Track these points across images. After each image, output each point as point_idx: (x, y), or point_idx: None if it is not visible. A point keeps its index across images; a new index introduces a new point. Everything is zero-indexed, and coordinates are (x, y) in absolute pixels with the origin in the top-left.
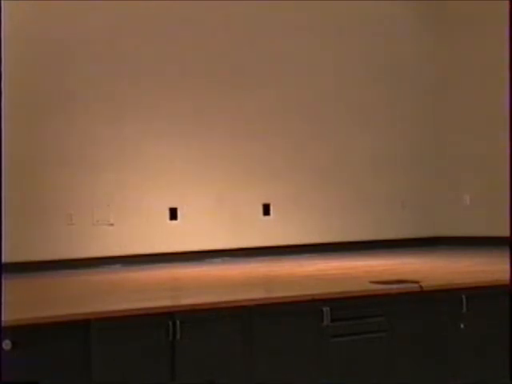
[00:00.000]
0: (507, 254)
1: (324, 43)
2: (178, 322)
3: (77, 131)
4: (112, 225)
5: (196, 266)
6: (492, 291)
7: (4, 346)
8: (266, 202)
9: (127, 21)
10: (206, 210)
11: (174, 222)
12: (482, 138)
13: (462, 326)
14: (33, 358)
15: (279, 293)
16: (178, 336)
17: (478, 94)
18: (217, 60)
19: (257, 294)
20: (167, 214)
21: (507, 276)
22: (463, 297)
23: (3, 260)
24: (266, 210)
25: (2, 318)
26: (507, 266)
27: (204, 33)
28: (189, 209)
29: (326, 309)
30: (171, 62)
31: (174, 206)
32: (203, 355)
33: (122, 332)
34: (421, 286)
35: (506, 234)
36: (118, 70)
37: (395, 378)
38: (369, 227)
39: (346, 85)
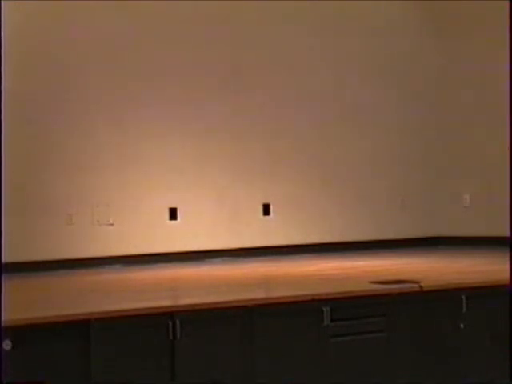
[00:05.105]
0: (507, 254)
1: (324, 43)
2: (177, 322)
3: (77, 131)
4: (112, 225)
5: (196, 266)
6: (492, 291)
7: (4, 346)
8: (266, 202)
9: (127, 22)
10: (205, 210)
11: (173, 221)
12: (482, 138)
13: (461, 325)
14: (33, 358)
15: (279, 293)
16: (178, 336)
17: (479, 93)
18: (217, 60)
19: (257, 294)
20: (167, 213)
21: (507, 276)
22: (463, 297)
23: (3, 260)
24: (266, 209)
25: (2, 318)
26: (507, 266)
27: (204, 33)
28: (189, 209)
29: (326, 309)
30: (171, 63)
31: (173, 206)
32: (203, 355)
33: (122, 332)
34: (421, 286)
35: (506, 234)
36: (118, 71)
37: (395, 378)
38: (369, 227)
39: (346, 85)
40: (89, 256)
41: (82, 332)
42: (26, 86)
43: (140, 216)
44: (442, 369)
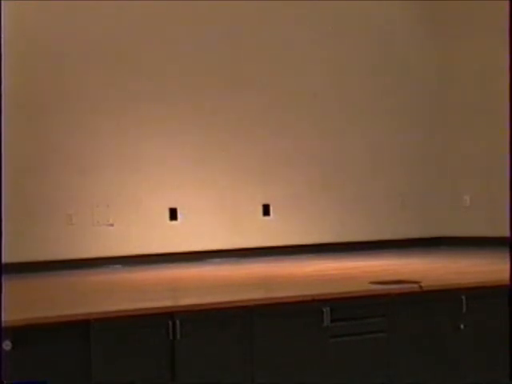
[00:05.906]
0: (507, 254)
1: (324, 43)
2: (177, 322)
3: (77, 131)
4: (112, 225)
5: (196, 266)
6: (492, 291)
7: (4, 346)
8: (266, 202)
9: (127, 21)
10: (206, 210)
11: (173, 222)
12: (482, 138)
13: (461, 326)
14: (33, 358)
15: (279, 293)
16: (178, 336)
17: (479, 93)
18: (217, 59)
19: (257, 294)
20: (167, 214)
21: (507, 276)
22: (463, 297)
23: (3, 260)
24: (266, 210)
25: (2, 318)
26: (507, 266)
27: (203, 32)
28: (189, 209)
29: (325, 309)
30: (171, 62)
31: (173, 206)
32: (203, 355)
33: (122, 332)
34: (420, 287)
35: (506, 234)
36: (118, 70)
37: (395, 378)
38: (369, 227)
39: (346, 84)
40: (89, 256)
41: (82, 332)
42: (25, 86)
43: (140, 216)
44: (441, 369)
